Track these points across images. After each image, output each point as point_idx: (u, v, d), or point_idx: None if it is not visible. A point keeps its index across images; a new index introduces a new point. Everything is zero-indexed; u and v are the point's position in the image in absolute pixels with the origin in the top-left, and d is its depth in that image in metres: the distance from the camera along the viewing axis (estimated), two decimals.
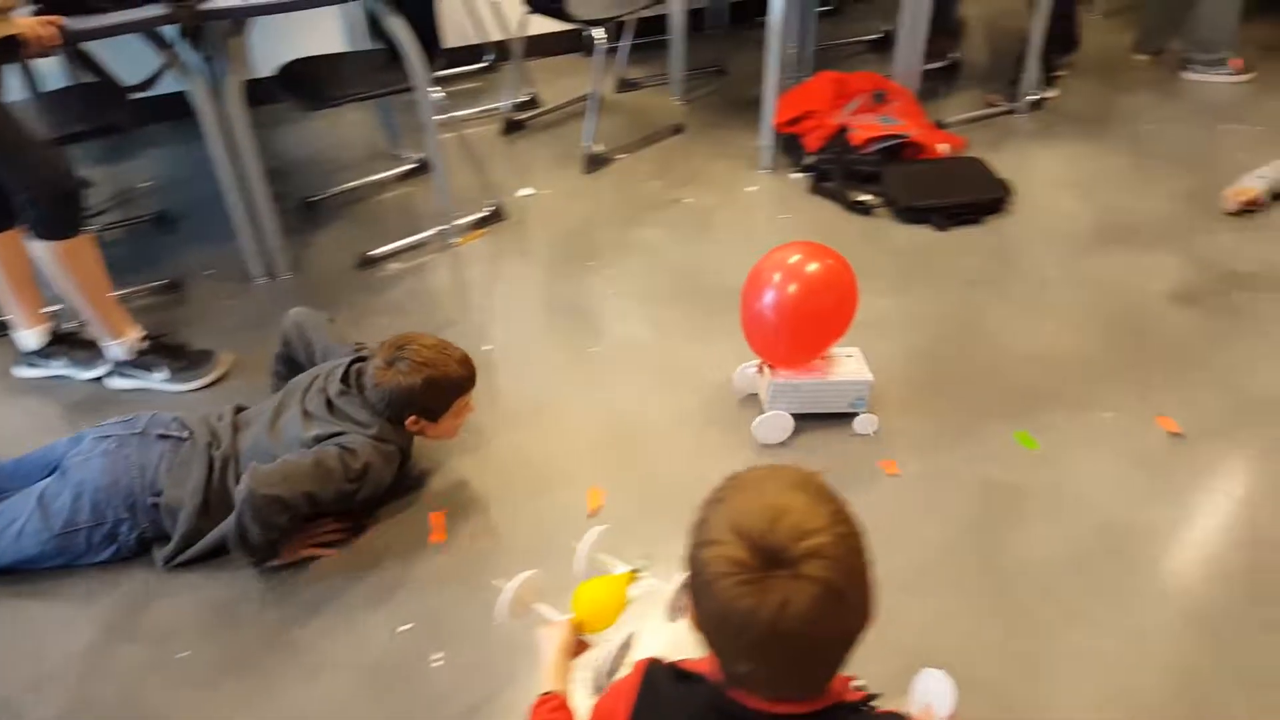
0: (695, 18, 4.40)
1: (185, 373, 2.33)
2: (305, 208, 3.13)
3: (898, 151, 3.07)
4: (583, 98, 3.58)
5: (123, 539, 1.78)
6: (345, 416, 1.83)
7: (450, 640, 1.67)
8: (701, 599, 0.87)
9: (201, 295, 2.72)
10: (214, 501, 1.78)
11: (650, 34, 3.93)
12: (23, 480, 1.84)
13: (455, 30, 3.94)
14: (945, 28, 3.82)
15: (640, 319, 2.56)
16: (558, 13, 3.15)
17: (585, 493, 1.96)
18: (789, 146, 3.25)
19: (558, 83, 3.92)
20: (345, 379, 1.88)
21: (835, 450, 2.04)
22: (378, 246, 2.86)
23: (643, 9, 3.37)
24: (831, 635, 0.85)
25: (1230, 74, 3.82)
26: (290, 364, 2.08)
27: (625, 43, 3.87)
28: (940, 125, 3.42)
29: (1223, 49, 3.80)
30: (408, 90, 2.66)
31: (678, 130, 3.59)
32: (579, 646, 1.23)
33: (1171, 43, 4.05)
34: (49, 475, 1.82)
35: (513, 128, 3.66)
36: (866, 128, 3.04)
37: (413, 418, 1.86)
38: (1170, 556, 1.80)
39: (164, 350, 2.34)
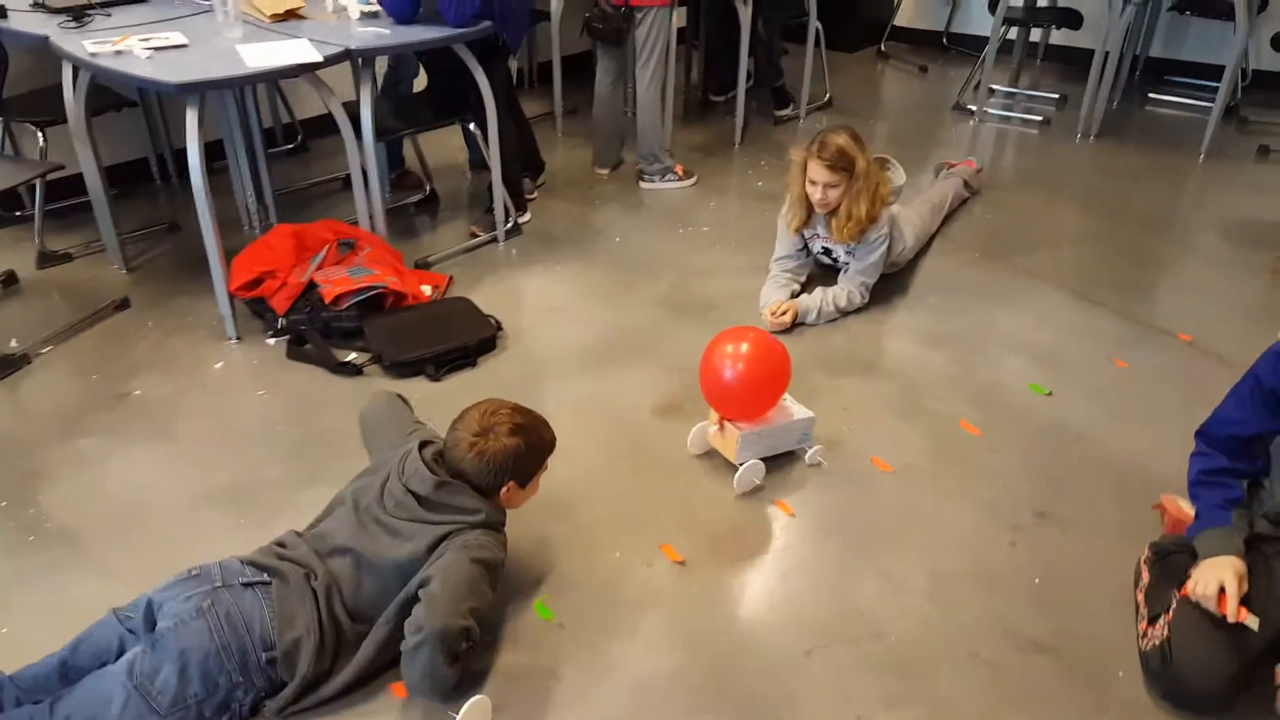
0: (137, 168, 3.89)
1: None
2: None
3: (379, 301, 2.86)
4: None
5: (237, 706, 1.62)
6: (450, 509, 1.77)
7: None
8: None
9: None
10: (328, 636, 1.69)
11: (79, 193, 3.34)
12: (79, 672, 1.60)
13: None
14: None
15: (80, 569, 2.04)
16: None
17: None
18: (260, 308, 2.90)
19: None
20: (431, 468, 1.80)
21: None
22: None
23: (48, 172, 2.83)
24: None
25: (677, 180, 4.20)
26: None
27: (39, 209, 3.26)
28: (423, 265, 3.30)
29: (664, 159, 4.18)
30: None
31: (122, 306, 3.05)
32: None
33: (624, 156, 4.38)
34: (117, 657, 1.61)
35: None
36: (336, 282, 2.80)
37: (510, 485, 1.83)
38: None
39: None
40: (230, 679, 1.59)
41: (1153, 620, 1.83)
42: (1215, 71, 4.58)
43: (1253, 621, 1.66)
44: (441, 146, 4.14)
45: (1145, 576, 1.93)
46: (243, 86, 3.28)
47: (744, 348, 2.21)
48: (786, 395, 2.35)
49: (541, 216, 3.85)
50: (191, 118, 2.51)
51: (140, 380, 2.68)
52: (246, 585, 1.66)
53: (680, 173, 4.22)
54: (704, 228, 3.80)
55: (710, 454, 2.41)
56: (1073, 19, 5.15)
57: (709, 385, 2.25)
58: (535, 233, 3.71)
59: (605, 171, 4.35)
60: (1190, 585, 1.72)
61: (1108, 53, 4.63)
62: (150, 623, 1.63)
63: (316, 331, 2.79)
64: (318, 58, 2.69)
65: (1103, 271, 3.42)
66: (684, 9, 5.42)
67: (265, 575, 1.69)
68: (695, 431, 2.41)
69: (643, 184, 4.20)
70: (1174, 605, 1.77)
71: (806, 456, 2.39)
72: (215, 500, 2.24)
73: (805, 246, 3.20)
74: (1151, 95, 5.46)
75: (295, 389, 2.67)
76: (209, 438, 2.46)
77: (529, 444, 1.84)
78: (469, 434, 1.80)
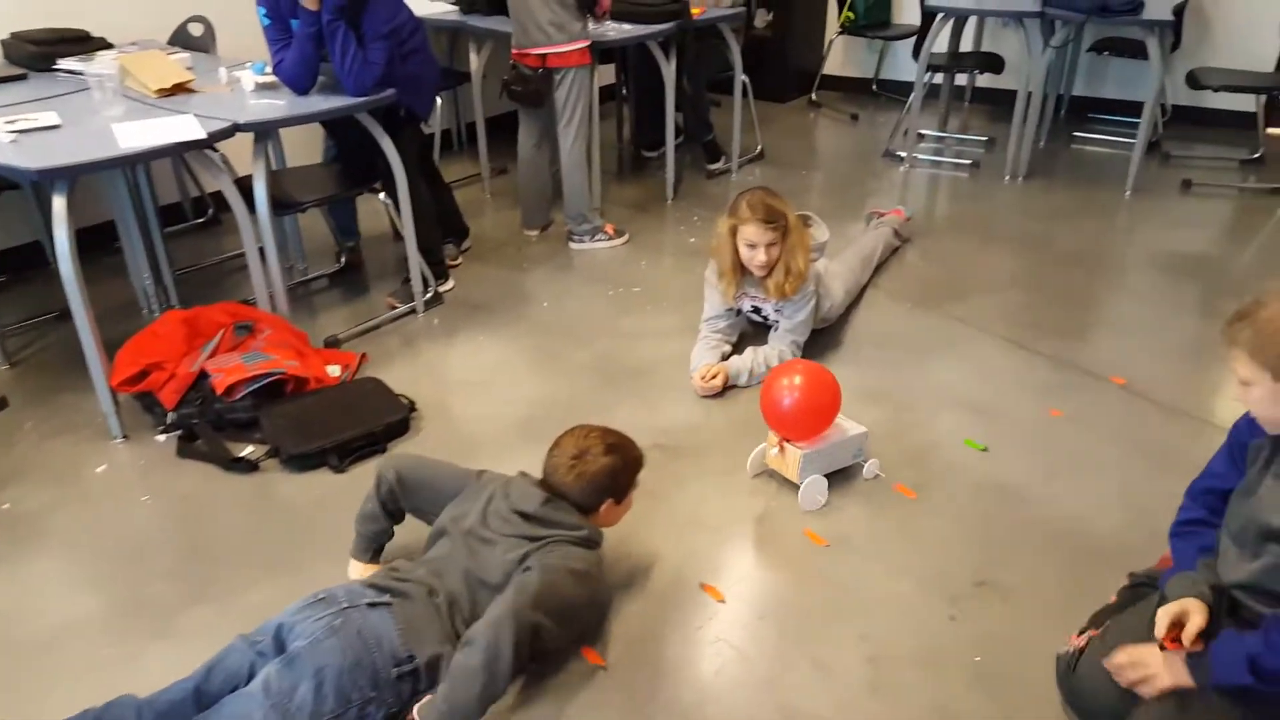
0: (28, 253, 3.70)
1: None
2: None
3: (278, 388, 2.69)
4: None
5: None
6: (553, 523, 1.88)
7: None
8: None
9: None
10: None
11: None
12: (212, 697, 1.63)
13: None
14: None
15: None
16: None
17: None
18: (149, 402, 2.71)
19: None
20: (539, 488, 1.94)
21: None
22: None
23: None
24: None
25: (607, 240, 4.10)
26: (392, 514, 2.06)
27: None
28: (333, 343, 3.13)
29: (593, 218, 4.07)
30: None
31: None
32: None
33: (553, 216, 4.27)
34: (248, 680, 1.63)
35: None
36: (229, 371, 2.62)
37: (608, 502, 1.97)
38: None
39: None
40: (363, 694, 1.64)
41: (1082, 630, 1.83)
42: (1137, 108, 4.61)
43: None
44: (366, 211, 3.97)
45: (1112, 598, 1.89)
46: (127, 166, 3.11)
47: (797, 379, 2.39)
48: (841, 418, 2.46)
49: (466, 283, 3.71)
50: (59, 204, 2.34)
51: (11, 491, 2.47)
52: (372, 606, 1.72)
53: (610, 232, 4.11)
54: (635, 288, 3.69)
55: (625, 537, 2.26)
56: (994, 63, 5.18)
57: (769, 410, 2.40)
58: (458, 301, 3.57)
59: (534, 233, 4.24)
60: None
61: (1030, 94, 4.64)
62: (280, 645, 1.68)
63: (209, 425, 2.61)
64: (201, 134, 2.54)
65: (1035, 316, 3.36)
66: (611, 65, 5.40)
67: (388, 596, 1.75)
68: (755, 454, 2.49)
69: (572, 245, 4.09)
70: (1105, 626, 1.78)
71: (864, 470, 2.48)
72: (80, 630, 2.02)
73: (735, 306, 3.09)
74: (1077, 134, 5.50)
75: (184, 491, 2.47)
76: (80, 556, 2.24)
77: (623, 461, 1.98)
78: (566, 458, 1.94)
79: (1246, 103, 5.15)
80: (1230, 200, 4.57)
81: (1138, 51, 4.86)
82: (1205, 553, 1.74)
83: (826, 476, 2.41)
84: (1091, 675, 1.74)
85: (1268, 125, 5.03)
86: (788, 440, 2.40)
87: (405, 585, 1.80)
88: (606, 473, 1.95)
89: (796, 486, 2.39)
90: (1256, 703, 1.53)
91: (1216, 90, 4.71)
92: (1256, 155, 5.00)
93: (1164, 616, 1.61)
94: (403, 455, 2.14)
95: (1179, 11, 4.85)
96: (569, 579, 1.83)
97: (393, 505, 2.06)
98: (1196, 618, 1.58)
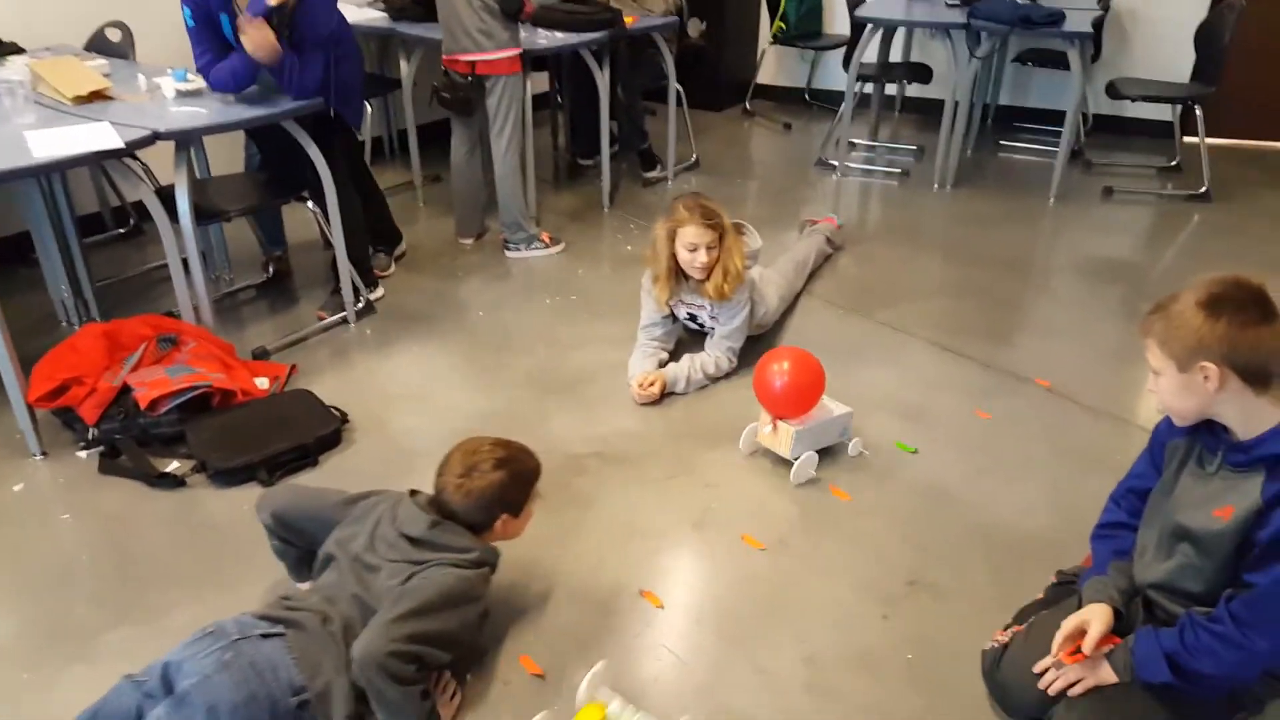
0: None
1: None
2: None
3: (205, 402, 2.63)
4: None
5: None
6: (440, 547, 1.80)
7: None
8: None
9: None
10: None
11: None
12: None
13: None
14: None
15: None
16: None
17: None
18: (70, 419, 2.62)
19: None
20: (425, 511, 1.84)
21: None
22: None
23: None
24: None
25: (543, 248, 4.08)
26: (294, 546, 1.97)
27: None
28: (261, 355, 3.07)
29: (528, 226, 4.05)
30: None
31: None
32: None
33: (488, 224, 4.25)
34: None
35: None
36: (153, 385, 2.55)
37: (503, 517, 1.89)
38: None
39: None
40: None
41: (1007, 626, 1.87)
42: (1060, 118, 4.74)
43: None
44: (296, 220, 3.89)
45: (1039, 595, 1.93)
46: (41, 175, 3.01)
47: (785, 364, 2.55)
48: (825, 397, 2.59)
49: (401, 292, 3.67)
50: None
51: None
52: (265, 637, 1.65)
53: (546, 240, 4.10)
54: (572, 296, 3.68)
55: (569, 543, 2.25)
56: (923, 73, 5.29)
57: (762, 392, 2.55)
58: (392, 311, 3.52)
59: (469, 241, 4.21)
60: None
61: (958, 104, 4.75)
62: (168, 685, 1.58)
63: (133, 440, 2.53)
64: (118, 143, 2.47)
65: (964, 321, 3.43)
66: (545, 73, 5.39)
67: (280, 626, 1.68)
68: (747, 432, 2.62)
69: (508, 253, 4.07)
70: (1029, 622, 1.82)
71: (849, 448, 2.61)
72: None
73: (671, 313, 3.10)
74: (1003, 142, 5.64)
75: (107, 509, 2.39)
76: None
77: (515, 474, 1.90)
78: (454, 476, 1.86)
79: (1164, 112, 5.35)
80: (1150, 206, 4.73)
81: (1060, 62, 5.02)
82: (1120, 556, 1.77)
83: (819, 453, 2.55)
84: (1015, 671, 1.77)
85: (1184, 134, 5.22)
86: (780, 419, 2.51)
87: (298, 614, 1.73)
88: (496, 488, 1.87)
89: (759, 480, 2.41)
90: (1176, 698, 1.56)
91: (1135, 100, 4.88)
92: (1174, 163, 5.18)
93: (1064, 630, 1.65)
94: (273, 494, 2.02)
95: (1098, 24, 5.02)
96: (436, 600, 1.73)
97: (292, 537, 1.98)
98: (1096, 625, 1.62)
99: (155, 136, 2.58)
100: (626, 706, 1.75)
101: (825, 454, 2.60)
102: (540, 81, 5.44)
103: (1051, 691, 1.65)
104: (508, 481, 1.88)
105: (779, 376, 2.53)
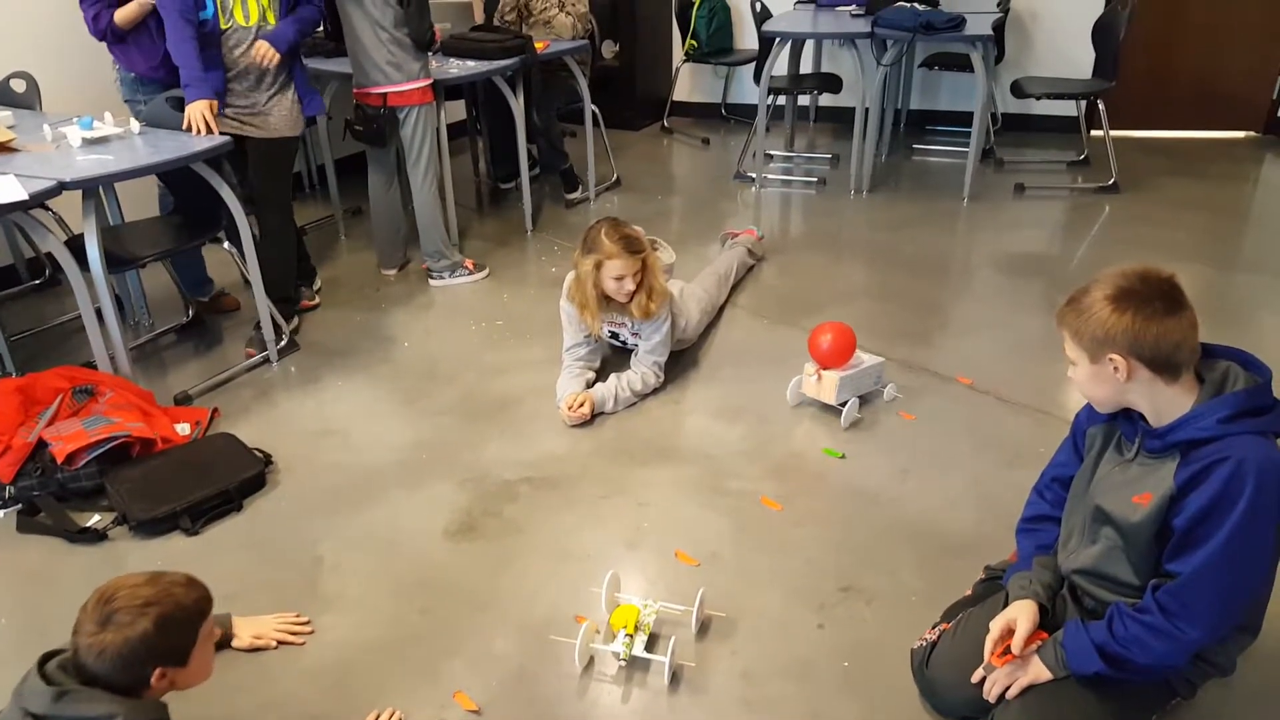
0: None
1: None
2: None
3: (124, 452, 2.57)
4: None
5: None
6: None
7: None
8: None
9: None
10: None
11: None
12: None
13: None
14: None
15: None
16: None
17: None
18: None
19: None
20: (49, 680, 1.47)
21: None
22: None
23: None
24: None
25: (467, 275, 4.07)
26: None
27: None
28: (183, 400, 3.01)
29: (450, 255, 4.04)
30: None
31: None
32: None
33: (410, 255, 4.22)
34: None
35: None
36: (69, 438, 2.48)
37: (159, 672, 1.52)
38: None
39: None
40: None
41: (935, 624, 1.90)
42: (969, 119, 4.88)
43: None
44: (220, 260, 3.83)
45: (968, 591, 1.96)
46: None
47: (829, 335, 2.90)
48: (860, 351, 2.93)
49: (324, 328, 3.63)
50: None
51: None
52: None
53: (470, 267, 4.09)
54: (498, 321, 3.67)
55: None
56: (833, 83, 5.40)
57: (815, 350, 2.90)
58: (316, 347, 3.48)
59: (392, 273, 4.18)
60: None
61: (869, 110, 4.86)
62: None
63: (51, 496, 2.46)
64: (22, 195, 2.41)
65: (885, 323, 3.50)
66: (461, 101, 5.39)
67: None
68: (794, 384, 2.94)
69: (432, 282, 4.05)
70: (956, 620, 1.85)
71: (884, 393, 2.97)
72: None
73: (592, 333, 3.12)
74: (916, 146, 5.79)
75: (26, 568, 2.32)
76: None
77: (163, 621, 1.51)
78: (86, 634, 1.49)
79: (1069, 108, 5.53)
80: (1061, 200, 4.89)
81: (965, 65, 5.17)
82: (1042, 550, 1.81)
83: (857, 398, 2.88)
84: (943, 669, 1.81)
85: (1090, 128, 5.41)
86: (825, 369, 2.85)
87: None
88: (138, 642, 1.49)
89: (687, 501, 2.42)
90: (1110, 687, 1.60)
91: (1039, 98, 5.04)
92: (1082, 157, 5.37)
93: (992, 633, 1.68)
94: None
95: (999, 26, 5.18)
96: None
97: None
98: (1023, 624, 1.65)
99: (61, 187, 2.53)
100: (648, 600, 2.07)
101: (757, 456, 2.63)
102: (457, 109, 5.43)
103: (991, 698, 1.67)
104: (153, 632, 1.50)
105: (825, 337, 2.90)
